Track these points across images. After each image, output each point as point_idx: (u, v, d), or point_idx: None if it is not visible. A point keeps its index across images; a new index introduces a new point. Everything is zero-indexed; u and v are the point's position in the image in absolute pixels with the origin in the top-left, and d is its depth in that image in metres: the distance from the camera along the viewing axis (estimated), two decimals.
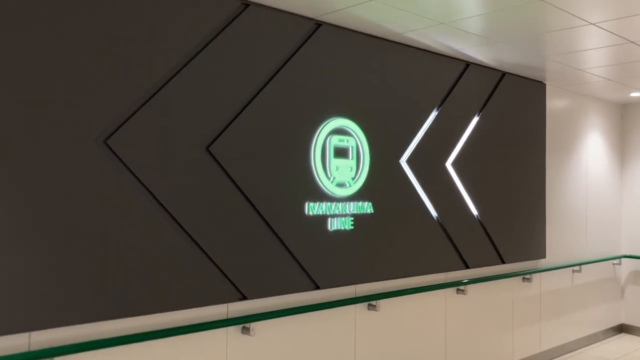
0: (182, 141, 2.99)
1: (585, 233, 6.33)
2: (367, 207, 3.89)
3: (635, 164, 6.86)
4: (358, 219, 3.84)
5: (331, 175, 3.66)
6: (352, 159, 3.80)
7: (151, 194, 2.86)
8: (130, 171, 2.79)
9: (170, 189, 2.94)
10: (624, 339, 6.66)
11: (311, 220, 3.58)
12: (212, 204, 3.11)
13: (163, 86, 2.90)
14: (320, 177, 3.60)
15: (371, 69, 3.97)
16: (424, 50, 4.33)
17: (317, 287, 3.61)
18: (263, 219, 3.32)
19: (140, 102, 2.82)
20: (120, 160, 2.75)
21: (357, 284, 3.89)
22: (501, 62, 4.74)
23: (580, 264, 6.04)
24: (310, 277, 3.57)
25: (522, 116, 5.37)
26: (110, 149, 2.72)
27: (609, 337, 6.65)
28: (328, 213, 3.66)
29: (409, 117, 4.26)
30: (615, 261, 6.73)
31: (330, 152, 3.66)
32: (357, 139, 3.83)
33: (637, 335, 6.75)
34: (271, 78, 3.36)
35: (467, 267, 4.70)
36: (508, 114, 5.18)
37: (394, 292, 4.10)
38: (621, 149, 6.95)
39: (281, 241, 3.41)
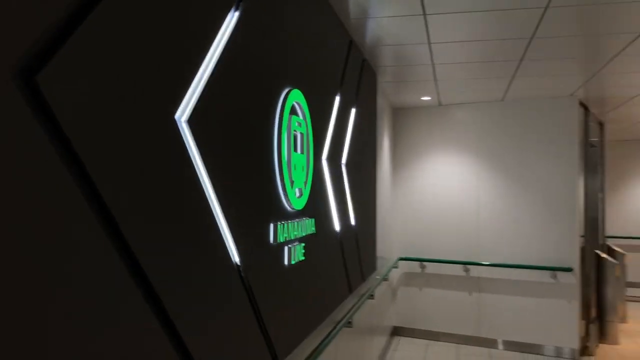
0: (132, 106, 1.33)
1: (385, 240, 6.08)
2: (311, 226, 2.63)
3: (402, 167, 6.98)
4: (307, 244, 2.56)
5: (292, 179, 2.31)
6: (303, 152, 2.50)
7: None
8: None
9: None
10: (404, 342, 6.67)
11: (274, 251, 2.17)
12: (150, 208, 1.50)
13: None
14: (286, 182, 2.22)
15: (305, 18, 2.72)
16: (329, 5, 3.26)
17: (276, 359, 2.23)
18: (230, 258, 1.81)
19: None
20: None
21: (302, 340, 2.59)
22: (374, 38, 3.91)
23: (387, 273, 5.74)
24: (271, 345, 2.16)
25: (369, 112, 4.72)
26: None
27: (391, 343, 6.56)
28: (287, 238, 2.29)
29: (328, 96, 3.13)
30: (395, 265, 6.69)
31: (291, 142, 2.30)
32: (305, 121, 2.54)
33: (409, 336, 6.84)
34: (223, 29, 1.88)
35: (351, 291, 3.79)
36: (366, 108, 4.46)
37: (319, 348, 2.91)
38: (393, 154, 6.99)
39: (248, 292, 1.94)
